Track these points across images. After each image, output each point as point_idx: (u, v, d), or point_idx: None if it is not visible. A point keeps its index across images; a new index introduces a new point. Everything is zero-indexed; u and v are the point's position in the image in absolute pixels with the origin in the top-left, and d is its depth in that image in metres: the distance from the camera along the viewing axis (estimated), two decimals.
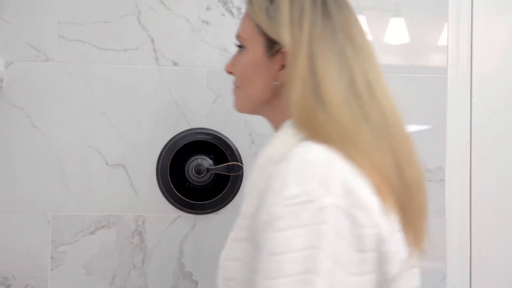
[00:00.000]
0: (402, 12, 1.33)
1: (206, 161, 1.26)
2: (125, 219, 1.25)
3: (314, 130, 0.69)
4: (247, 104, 0.84)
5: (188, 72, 1.27)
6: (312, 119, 0.69)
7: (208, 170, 1.24)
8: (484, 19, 1.37)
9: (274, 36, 0.75)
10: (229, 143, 1.27)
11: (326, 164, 0.64)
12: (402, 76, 1.32)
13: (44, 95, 1.24)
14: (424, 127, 1.33)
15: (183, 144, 1.25)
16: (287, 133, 0.72)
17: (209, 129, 1.27)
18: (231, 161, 1.25)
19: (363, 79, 0.72)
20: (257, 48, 0.78)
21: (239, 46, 0.83)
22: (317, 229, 0.61)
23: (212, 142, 1.26)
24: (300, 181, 0.63)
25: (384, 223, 0.65)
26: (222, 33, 1.27)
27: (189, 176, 1.26)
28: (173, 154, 1.25)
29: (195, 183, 1.26)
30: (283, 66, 0.76)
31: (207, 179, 1.26)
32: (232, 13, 1.28)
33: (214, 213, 1.27)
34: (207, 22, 1.28)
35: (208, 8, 1.28)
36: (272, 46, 0.76)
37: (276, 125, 0.81)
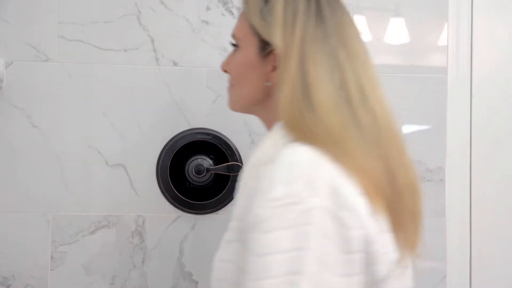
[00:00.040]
0: (402, 12, 1.33)
1: (206, 161, 1.26)
2: (125, 219, 1.25)
3: (302, 133, 0.69)
4: (240, 103, 0.84)
5: (188, 72, 1.27)
6: (300, 121, 0.69)
7: (208, 170, 1.24)
8: (484, 19, 1.37)
9: (266, 37, 0.76)
10: (229, 143, 1.27)
11: (312, 165, 0.64)
12: (402, 76, 1.32)
13: (44, 95, 1.24)
14: (424, 127, 1.33)
15: (183, 144, 1.25)
16: (277, 134, 0.73)
17: (209, 129, 1.27)
18: (231, 161, 1.25)
19: (356, 83, 0.71)
20: (250, 48, 0.79)
21: (234, 45, 0.83)
22: (303, 230, 0.61)
23: (212, 142, 1.26)
24: (286, 183, 0.63)
25: (371, 224, 0.65)
26: (222, 33, 1.27)
27: (189, 176, 1.26)
28: (173, 154, 1.25)
29: (195, 183, 1.26)
30: (275, 68, 0.76)
31: (207, 179, 1.26)
32: (232, 13, 1.28)
33: (214, 213, 1.27)
34: (207, 22, 1.28)
35: (208, 8, 1.28)
36: (265, 47, 0.77)
37: (269, 125, 0.82)
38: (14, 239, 1.22)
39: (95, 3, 1.25)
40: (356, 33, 0.77)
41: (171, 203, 1.25)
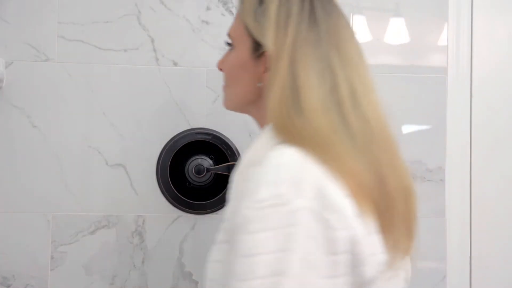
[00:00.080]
0: (402, 12, 1.33)
1: (206, 161, 1.26)
2: (125, 219, 1.25)
3: (290, 135, 0.69)
4: (234, 102, 0.85)
5: (188, 72, 1.27)
6: (288, 123, 0.69)
7: (208, 170, 1.24)
8: (484, 19, 1.37)
9: (259, 38, 0.76)
10: (229, 143, 1.27)
11: (299, 167, 0.64)
12: (402, 76, 1.32)
13: (44, 95, 1.24)
14: (424, 127, 1.33)
15: (183, 144, 1.25)
16: (267, 136, 0.73)
17: (209, 129, 1.27)
18: (231, 161, 1.25)
19: (348, 87, 0.71)
20: (244, 48, 0.79)
21: (229, 44, 0.84)
22: (287, 232, 0.61)
23: (212, 142, 1.26)
24: (273, 184, 0.63)
25: (358, 225, 0.64)
26: (222, 33, 1.27)
27: (189, 176, 1.26)
28: (173, 154, 1.25)
29: (195, 183, 1.26)
30: (267, 69, 0.76)
31: (207, 179, 1.26)
32: (232, 13, 1.28)
33: (214, 213, 1.27)
34: (207, 22, 1.28)
35: (208, 8, 1.28)
36: (258, 48, 0.77)
37: (262, 125, 0.82)
38: (14, 239, 1.22)
39: (95, 3, 1.25)
40: (351, 37, 0.77)
41: (171, 203, 1.25)
